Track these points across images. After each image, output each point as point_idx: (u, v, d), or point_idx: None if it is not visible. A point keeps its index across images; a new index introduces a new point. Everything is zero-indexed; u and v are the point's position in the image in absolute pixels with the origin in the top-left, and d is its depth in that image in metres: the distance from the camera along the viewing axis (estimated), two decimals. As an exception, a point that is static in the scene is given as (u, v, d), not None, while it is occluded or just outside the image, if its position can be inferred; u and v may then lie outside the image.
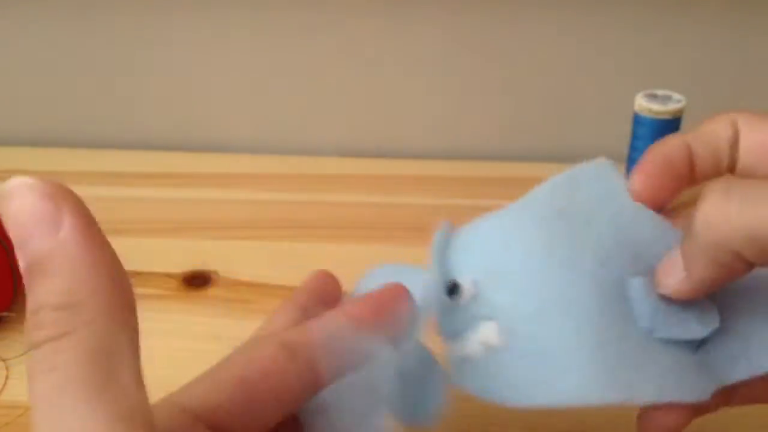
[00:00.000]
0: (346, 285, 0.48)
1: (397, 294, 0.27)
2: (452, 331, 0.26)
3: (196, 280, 0.50)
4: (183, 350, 0.43)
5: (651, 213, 0.28)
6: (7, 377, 0.42)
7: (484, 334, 0.25)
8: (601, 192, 0.28)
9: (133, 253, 0.52)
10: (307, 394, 0.24)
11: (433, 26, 0.63)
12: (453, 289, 0.26)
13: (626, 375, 0.24)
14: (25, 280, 0.20)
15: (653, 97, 0.49)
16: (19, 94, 0.68)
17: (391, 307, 0.26)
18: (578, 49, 0.63)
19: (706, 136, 0.29)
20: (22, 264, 0.20)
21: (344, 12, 0.63)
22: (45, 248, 0.19)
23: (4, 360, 0.43)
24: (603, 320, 0.25)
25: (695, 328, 0.26)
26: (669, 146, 0.29)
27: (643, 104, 0.48)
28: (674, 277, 0.25)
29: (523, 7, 0.62)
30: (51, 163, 0.64)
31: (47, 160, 0.64)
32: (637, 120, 0.49)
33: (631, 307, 0.26)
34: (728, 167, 0.28)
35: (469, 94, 0.66)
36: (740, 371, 0.26)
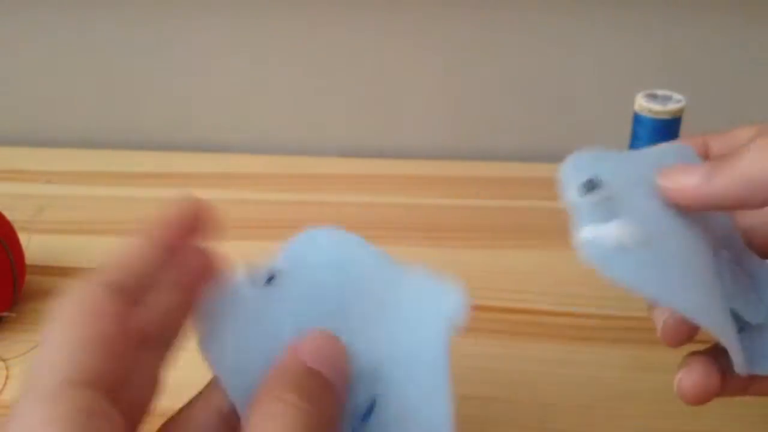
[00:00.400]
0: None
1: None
2: (588, 219, 0.26)
3: (196, 280, 0.50)
4: (182, 350, 0.43)
5: None
6: (7, 377, 0.42)
7: (631, 229, 0.26)
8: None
9: (133, 253, 0.52)
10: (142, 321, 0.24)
11: (433, 26, 0.63)
12: (592, 184, 0.27)
13: (719, 310, 0.27)
14: None
15: (653, 97, 0.49)
16: (19, 94, 0.68)
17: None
18: (578, 49, 0.63)
19: (725, 137, 0.30)
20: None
21: (344, 12, 0.63)
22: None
23: (4, 360, 0.43)
24: (709, 266, 0.28)
25: (749, 310, 0.29)
26: (687, 142, 0.31)
27: (643, 104, 0.48)
28: (691, 177, 0.27)
29: (523, 7, 0.62)
30: (51, 163, 0.64)
31: (47, 160, 0.64)
32: (637, 120, 0.49)
33: (717, 271, 0.29)
34: None
35: (469, 95, 0.66)
36: (763, 367, 0.28)
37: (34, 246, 0.51)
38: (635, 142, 0.49)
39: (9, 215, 0.46)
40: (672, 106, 0.48)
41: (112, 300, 0.23)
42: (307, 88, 0.66)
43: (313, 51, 0.65)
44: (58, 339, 0.22)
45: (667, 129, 0.48)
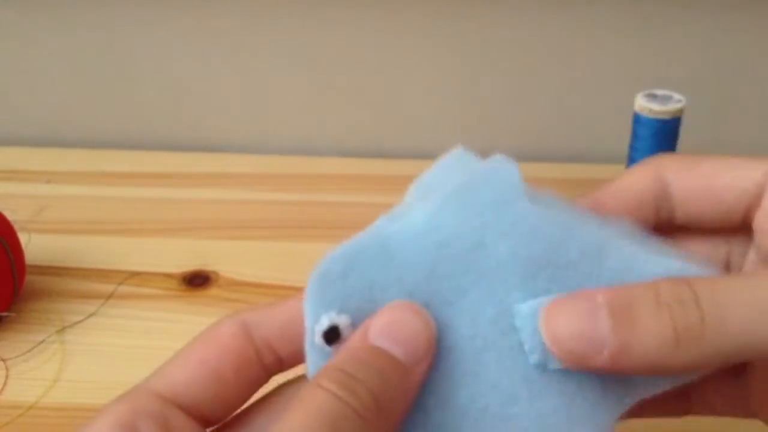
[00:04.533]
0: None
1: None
2: None
3: (196, 280, 0.50)
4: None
5: (589, 218, 0.24)
6: (7, 377, 0.42)
7: None
8: (499, 198, 0.23)
9: (133, 253, 0.52)
10: (271, 373, 0.24)
11: (433, 26, 0.63)
12: (334, 332, 0.22)
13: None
14: None
15: (653, 97, 0.49)
16: (19, 94, 0.68)
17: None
18: (578, 49, 0.63)
19: (620, 191, 0.25)
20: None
21: (345, 12, 0.63)
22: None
23: (4, 360, 0.43)
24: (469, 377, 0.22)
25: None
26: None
27: (643, 104, 0.48)
28: (588, 332, 0.20)
29: (524, 7, 0.62)
30: (51, 163, 0.64)
31: (47, 160, 0.64)
32: (637, 120, 0.49)
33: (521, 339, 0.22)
34: (658, 221, 0.26)
35: (470, 95, 0.66)
36: (660, 383, 0.23)
37: (34, 246, 0.51)
38: (635, 142, 0.49)
39: (9, 215, 0.46)
40: (672, 106, 0.48)
41: (239, 337, 0.23)
42: (307, 87, 0.66)
43: (313, 51, 0.65)
44: (179, 356, 0.23)
45: (667, 129, 0.48)
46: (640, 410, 0.25)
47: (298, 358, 0.24)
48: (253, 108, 0.67)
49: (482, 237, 0.22)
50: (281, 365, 0.24)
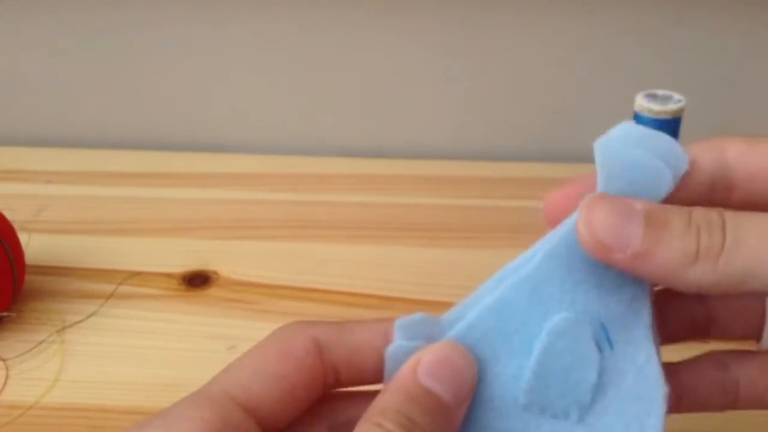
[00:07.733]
0: (338, 284, 0.48)
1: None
2: None
3: (196, 280, 0.50)
4: (183, 350, 0.43)
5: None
6: (7, 377, 0.42)
7: None
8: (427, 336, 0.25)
9: (133, 253, 0.52)
10: (328, 389, 0.25)
11: (433, 26, 0.63)
12: None
13: None
14: None
15: (653, 97, 0.49)
16: (19, 94, 0.68)
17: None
18: (578, 49, 0.63)
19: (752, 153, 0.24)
20: None
21: (344, 12, 0.63)
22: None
23: (4, 360, 0.43)
24: None
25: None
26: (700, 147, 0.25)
27: (643, 104, 0.48)
28: (630, 234, 0.22)
29: (524, 7, 0.62)
30: (51, 163, 0.64)
31: (47, 160, 0.64)
32: (637, 120, 0.49)
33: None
34: (710, 199, 0.25)
35: (469, 94, 0.66)
36: None
37: (34, 246, 0.51)
38: (635, 142, 0.49)
39: (9, 215, 0.46)
40: (672, 106, 0.48)
41: (313, 356, 0.24)
42: (307, 87, 0.66)
43: (313, 51, 0.65)
44: (245, 360, 0.24)
45: (667, 129, 0.48)
46: (684, 404, 0.26)
47: (356, 382, 0.25)
48: (253, 108, 0.67)
49: None
50: (338, 386, 0.25)
